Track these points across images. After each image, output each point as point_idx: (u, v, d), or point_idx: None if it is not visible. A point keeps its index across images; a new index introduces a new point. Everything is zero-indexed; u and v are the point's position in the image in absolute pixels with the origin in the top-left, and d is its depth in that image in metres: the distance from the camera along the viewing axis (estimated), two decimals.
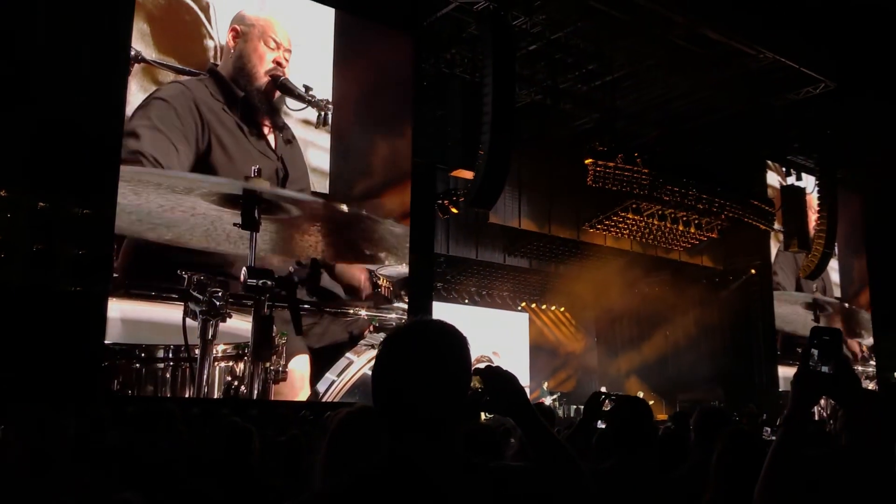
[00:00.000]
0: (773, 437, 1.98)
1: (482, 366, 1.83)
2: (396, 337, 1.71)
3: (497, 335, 20.54)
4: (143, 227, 10.45)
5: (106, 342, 9.90)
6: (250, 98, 11.95)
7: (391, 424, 1.64)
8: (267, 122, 12.09)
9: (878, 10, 13.60)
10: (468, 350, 1.71)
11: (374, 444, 1.90)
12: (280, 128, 12.17)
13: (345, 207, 12.66)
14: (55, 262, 9.77)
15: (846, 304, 21.48)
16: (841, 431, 2.74)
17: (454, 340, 1.70)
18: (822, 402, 16.80)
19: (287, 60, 12.25)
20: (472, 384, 1.74)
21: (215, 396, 10.77)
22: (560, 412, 17.25)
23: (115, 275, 10.11)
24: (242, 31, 11.95)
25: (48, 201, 9.81)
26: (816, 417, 16.26)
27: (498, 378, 1.80)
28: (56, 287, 9.57)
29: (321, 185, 12.48)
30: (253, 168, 11.65)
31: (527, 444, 1.84)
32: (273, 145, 12.09)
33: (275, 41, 12.18)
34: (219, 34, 11.70)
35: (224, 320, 10.82)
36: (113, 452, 3.85)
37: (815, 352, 1.92)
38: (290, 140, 12.27)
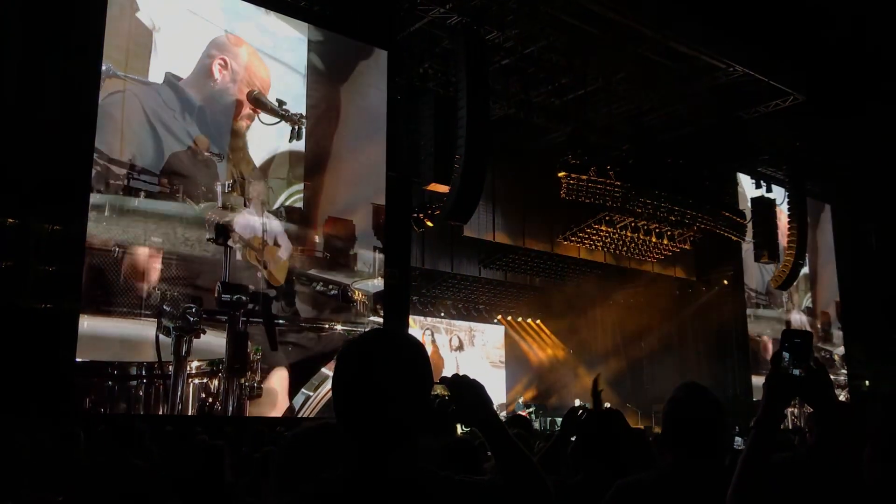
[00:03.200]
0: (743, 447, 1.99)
1: (449, 374, 1.81)
2: (354, 346, 1.69)
3: (473, 347, 20.58)
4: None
5: (77, 359, 9.77)
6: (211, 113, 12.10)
7: (351, 433, 1.62)
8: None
9: (844, 25, 13.85)
10: (427, 358, 1.70)
11: (327, 461, 1.89)
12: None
13: (317, 237, 12.79)
14: (25, 279, 9.63)
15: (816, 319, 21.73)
16: (810, 435, 2.75)
17: (412, 348, 1.69)
18: (797, 410, 16.99)
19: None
20: (437, 392, 1.72)
21: (189, 413, 10.67)
22: (536, 424, 17.25)
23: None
24: (222, 58, 12.19)
25: (17, 217, 9.69)
26: (791, 426, 16.41)
27: (464, 387, 1.77)
28: (25, 304, 9.43)
29: (296, 198, 12.49)
30: (226, 183, 11.77)
31: (491, 454, 1.81)
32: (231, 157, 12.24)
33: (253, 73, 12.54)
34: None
35: (198, 336, 10.79)
36: (84, 471, 3.80)
37: (787, 355, 1.93)
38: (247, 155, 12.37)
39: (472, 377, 1.82)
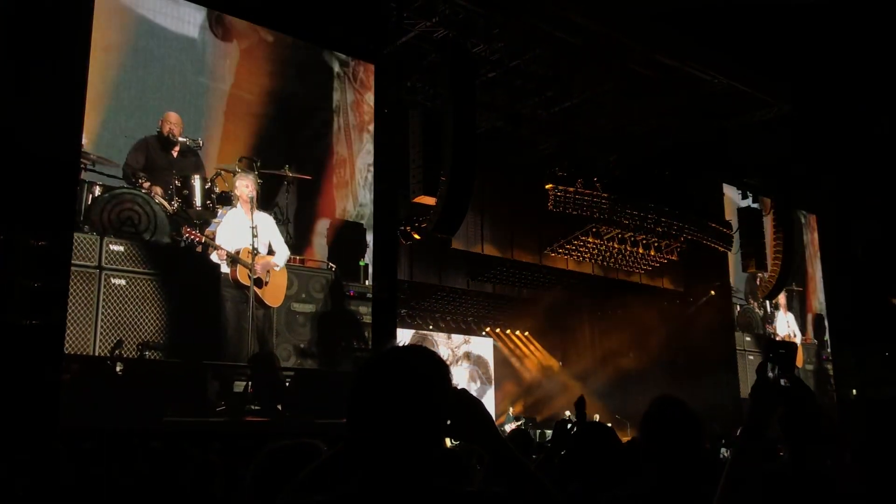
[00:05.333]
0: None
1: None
2: (375, 362, 1.68)
3: (461, 360, 20.54)
4: None
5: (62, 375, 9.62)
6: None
7: (364, 450, 1.61)
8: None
9: (830, 36, 13.98)
10: (448, 377, 1.67)
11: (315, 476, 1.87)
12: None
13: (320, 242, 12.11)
14: (9, 295, 9.54)
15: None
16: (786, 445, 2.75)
17: (434, 367, 1.67)
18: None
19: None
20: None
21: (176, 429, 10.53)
22: (531, 436, 17.20)
23: None
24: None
25: (2, 233, 9.60)
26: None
27: (464, 403, 1.75)
28: (11, 320, 9.33)
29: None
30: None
31: (496, 472, 1.78)
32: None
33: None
34: None
35: None
36: (68, 490, 3.75)
37: (772, 364, 1.95)
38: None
39: (468, 392, 1.79)
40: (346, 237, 12.42)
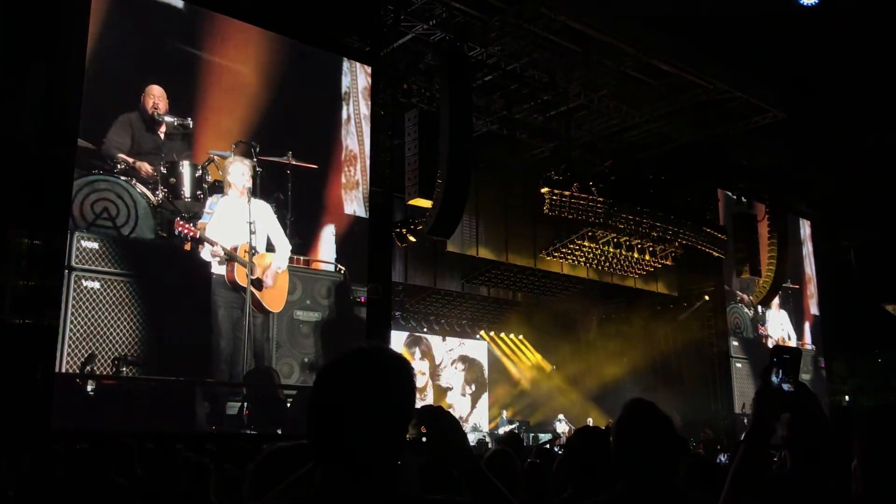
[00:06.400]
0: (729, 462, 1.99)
1: (420, 405, 1.71)
2: (335, 365, 1.58)
3: (455, 363, 20.53)
4: None
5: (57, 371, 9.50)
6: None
7: (321, 457, 1.54)
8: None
9: (825, 43, 14.03)
10: (412, 379, 1.60)
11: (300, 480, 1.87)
12: None
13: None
14: (3, 294, 9.50)
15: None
16: (787, 453, 2.74)
17: (397, 369, 1.59)
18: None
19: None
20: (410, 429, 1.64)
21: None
22: (522, 440, 17.20)
23: None
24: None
25: None
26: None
27: (438, 420, 1.71)
28: (5, 319, 9.30)
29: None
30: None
31: (467, 488, 1.75)
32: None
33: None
34: None
35: None
36: (64, 491, 3.74)
37: (777, 369, 1.94)
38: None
39: (442, 408, 1.76)
40: (357, 235, 11.36)
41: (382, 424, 1.52)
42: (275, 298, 10.07)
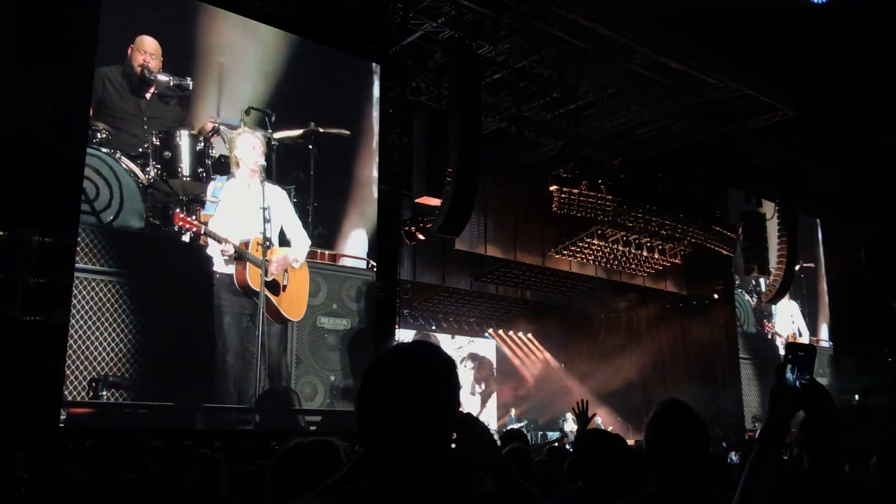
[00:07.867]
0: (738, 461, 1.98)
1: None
2: (382, 361, 1.63)
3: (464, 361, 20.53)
4: None
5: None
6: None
7: (375, 451, 1.58)
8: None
9: (834, 40, 13.97)
10: (456, 376, 1.64)
11: (318, 476, 1.87)
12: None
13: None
14: (14, 291, 9.54)
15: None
16: (801, 453, 2.73)
17: (441, 365, 1.63)
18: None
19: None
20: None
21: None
22: (528, 438, 17.19)
23: None
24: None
25: (7, 230, 9.61)
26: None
27: (471, 428, 1.73)
28: (15, 316, 9.33)
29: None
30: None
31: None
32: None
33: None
34: None
35: None
36: (74, 487, 3.75)
37: (791, 367, 1.93)
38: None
39: (474, 417, 1.80)
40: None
41: (434, 416, 1.57)
42: (294, 303, 8.32)
